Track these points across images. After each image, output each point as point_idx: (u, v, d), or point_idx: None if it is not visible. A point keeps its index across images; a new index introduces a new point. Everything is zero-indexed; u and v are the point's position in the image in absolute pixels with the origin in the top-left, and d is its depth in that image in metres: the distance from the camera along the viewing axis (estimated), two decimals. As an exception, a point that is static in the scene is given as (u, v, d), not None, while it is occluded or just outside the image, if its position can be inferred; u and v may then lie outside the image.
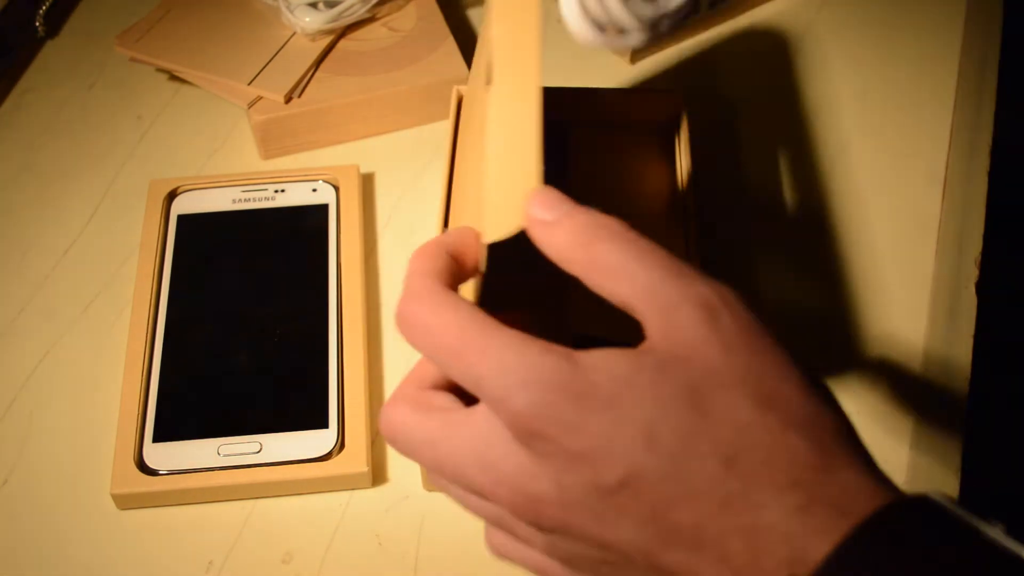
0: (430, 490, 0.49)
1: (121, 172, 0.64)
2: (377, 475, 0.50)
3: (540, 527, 0.32)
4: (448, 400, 0.34)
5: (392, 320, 0.55)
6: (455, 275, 0.35)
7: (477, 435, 0.32)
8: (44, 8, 0.72)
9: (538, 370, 0.30)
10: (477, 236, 0.35)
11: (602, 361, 0.30)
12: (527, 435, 0.30)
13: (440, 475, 0.34)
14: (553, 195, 0.33)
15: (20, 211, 0.62)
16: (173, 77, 0.68)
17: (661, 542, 0.30)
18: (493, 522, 0.35)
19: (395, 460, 0.50)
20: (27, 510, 0.49)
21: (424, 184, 0.62)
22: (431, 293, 0.33)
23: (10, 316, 0.56)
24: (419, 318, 0.33)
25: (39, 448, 0.51)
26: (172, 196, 0.59)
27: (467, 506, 0.35)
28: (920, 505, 0.28)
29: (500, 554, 0.36)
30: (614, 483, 0.30)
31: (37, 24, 0.71)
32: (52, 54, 0.71)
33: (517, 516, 0.32)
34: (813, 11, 0.72)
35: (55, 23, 0.73)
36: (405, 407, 0.34)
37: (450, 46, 0.66)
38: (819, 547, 0.28)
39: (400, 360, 0.54)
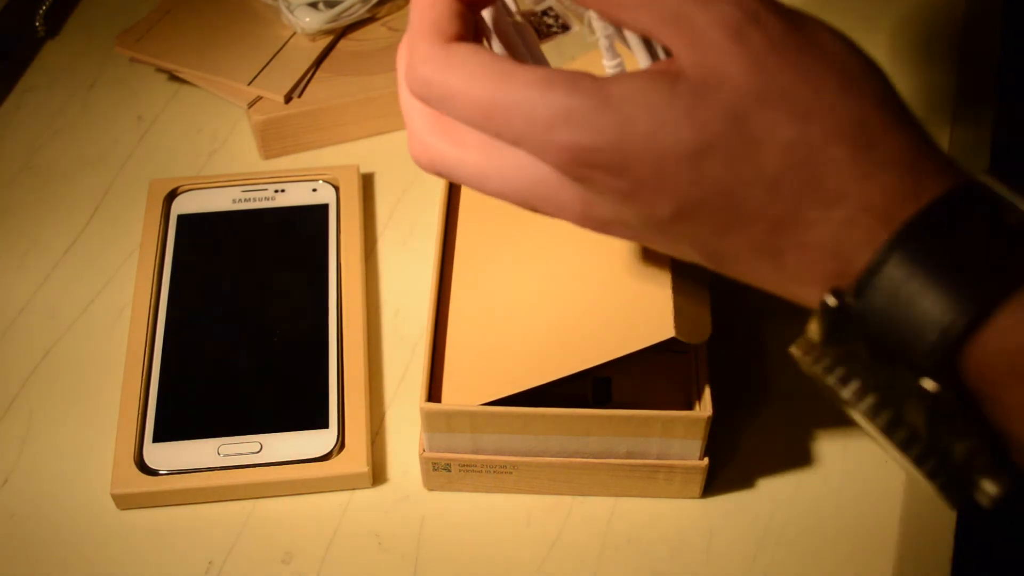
0: (430, 489, 0.49)
1: (121, 172, 0.64)
2: (377, 475, 0.50)
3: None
4: (479, 138, 0.33)
5: (392, 320, 0.55)
6: (460, 15, 0.33)
7: (524, 175, 0.33)
8: (44, 8, 0.71)
9: (568, 115, 0.30)
10: None
11: (635, 91, 0.30)
12: (575, 177, 0.31)
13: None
14: None
15: (20, 211, 0.62)
16: (173, 77, 0.68)
17: (717, 262, 0.32)
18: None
19: (395, 460, 0.50)
20: (27, 510, 0.49)
21: (424, 184, 0.62)
22: (440, 54, 0.32)
23: (10, 316, 0.56)
24: (436, 87, 0.32)
25: (39, 448, 0.51)
26: (172, 196, 0.59)
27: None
28: (964, 198, 0.28)
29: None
30: (667, 216, 0.31)
31: (37, 24, 0.71)
32: (52, 54, 0.71)
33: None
34: (813, 11, 0.71)
35: (55, 23, 0.73)
36: (439, 138, 0.34)
37: (450, 46, 0.66)
38: (862, 258, 0.29)
39: (400, 360, 0.54)
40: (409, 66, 0.33)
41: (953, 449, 0.28)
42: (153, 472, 0.48)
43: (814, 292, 0.30)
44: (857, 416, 0.30)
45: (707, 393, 0.45)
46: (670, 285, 0.45)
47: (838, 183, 0.29)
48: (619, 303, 0.45)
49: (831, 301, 0.29)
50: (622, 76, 0.30)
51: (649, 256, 0.46)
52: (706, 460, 0.46)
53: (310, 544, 0.47)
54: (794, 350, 0.31)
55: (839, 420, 0.51)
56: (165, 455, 0.49)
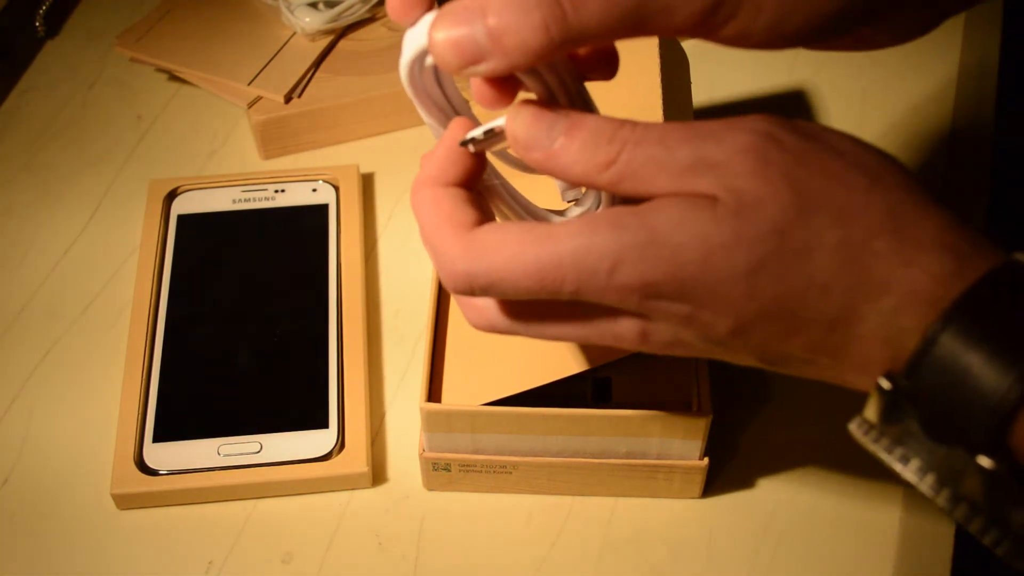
0: (430, 489, 0.49)
1: (121, 172, 0.64)
2: (377, 475, 0.50)
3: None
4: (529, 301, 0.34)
5: (392, 320, 0.55)
6: (471, 202, 0.33)
7: (579, 322, 0.34)
8: (44, 8, 0.71)
9: (622, 256, 0.30)
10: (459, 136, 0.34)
11: (679, 219, 0.30)
12: (636, 311, 0.32)
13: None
14: (538, 114, 0.32)
15: (20, 211, 0.62)
16: (173, 77, 0.68)
17: (775, 365, 0.33)
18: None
19: (395, 460, 0.50)
20: (27, 510, 0.49)
21: (424, 184, 0.62)
22: (471, 245, 0.32)
23: (10, 316, 0.56)
24: (480, 278, 0.32)
25: (39, 448, 0.51)
26: (172, 196, 0.59)
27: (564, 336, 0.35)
28: (1004, 277, 0.29)
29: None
30: (725, 334, 0.32)
31: (37, 24, 0.71)
32: (52, 54, 0.71)
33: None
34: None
35: (55, 23, 0.73)
36: (490, 304, 0.34)
37: (450, 46, 0.66)
38: (913, 342, 0.30)
39: (400, 360, 0.54)
40: (442, 270, 0.33)
41: (1012, 518, 0.29)
42: (153, 472, 0.48)
43: (870, 378, 0.31)
44: (919, 488, 0.31)
45: (707, 393, 0.45)
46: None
47: (884, 274, 0.30)
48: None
49: (885, 384, 0.30)
50: (659, 205, 0.30)
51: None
52: (706, 460, 0.46)
53: (310, 544, 0.47)
54: (853, 429, 0.32)
55: (839, 420, 0.51)
56: (165, 455, 0.49)
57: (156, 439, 0.49)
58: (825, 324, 0.31)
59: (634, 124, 0.31)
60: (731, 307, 0.31)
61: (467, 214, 0.33)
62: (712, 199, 0.30)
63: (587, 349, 0.44)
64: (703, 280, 0.30)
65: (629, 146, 0.31)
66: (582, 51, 0.34)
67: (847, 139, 0.32)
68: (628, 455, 0.46)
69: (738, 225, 0.30)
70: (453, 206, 0.33)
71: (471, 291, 0.32)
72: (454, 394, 0.46)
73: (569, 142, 0.31)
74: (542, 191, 0.39)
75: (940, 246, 0.30)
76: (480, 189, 0.35)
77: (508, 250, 0.31)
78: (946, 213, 0.31)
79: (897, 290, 0.30)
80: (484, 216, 0.33)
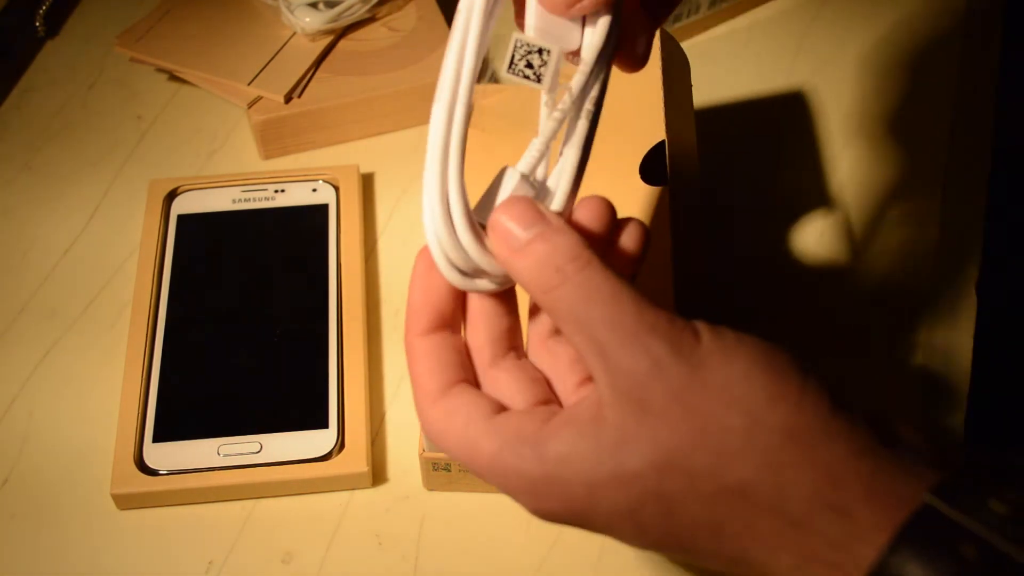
0: (430, 489, 0.49)
1: (121, 172, 0.64)
2: (377, 475, 0.50)
3: None
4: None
5: (392, 320, 0.55)
6: (440, 360, 0.34)
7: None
8: (44, 8, 0.72)
9: (517, 489, 0.32)
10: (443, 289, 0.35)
11: (567, 455, 0.31)
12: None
13: None
14: (525, 208, 0.32)
15: (20, 211, 0.62)
16: (173, 77, 0.68)
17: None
18: None
19: (395, 460, 0.50)
20: (27, 510, 0.49)
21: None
22: (429, 418, 0.34)
23: (10, 316, 0.56)
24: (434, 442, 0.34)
25: (39, 448, 0.51)
26: (172, 196, 0.59)
27: None
28: (907, 547, 0.28)
29: None
30: (640, 547, 0.32)
31: (37, 24, 0.71)
32: (52, 54, 0.71)
33: None
34: (813, 11, 0.72)
35: (55, 23, 0.73)
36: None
37: (450, 46, 0.66)
38: None
39: (400, 360, 0.54)
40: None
41: None
42: (153, 472, 0.48)
43: None
44: None
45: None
46: (671, 284, 0.45)
47: (771, 529, 0.29)
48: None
49: None
50: (552, 433, 0.31)
51: (650, 255, 0.46)
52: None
53: (310, 544, 0.47)
54: None
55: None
56: (165, 455, 0.49)
57: (156, 439, 0.49)
58: (727, 559, 0.30)
59: (587, 260, 0.31)
60: (629, 536, 0.31)
61: (433, 380, 0.34)
62: (600, 421, 0.30)
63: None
64: (594, 514, 0.31)
65: (567, 286, 0.31)
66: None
67: (738, 364, 0.30)
68: (628, 455, 0.46)
69: (615, 464, 0.30)
70: (423, 369, 0.34)
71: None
72: (454, 394, 0.46)
73: (533, 249, 0.31)
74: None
75: (823, 504, 0.29)
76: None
77: (447, 442, 0.33)
78: (835, 455, 0.29)
79: (792, 549, 0.29)
80: (453, 374, 0.34)
